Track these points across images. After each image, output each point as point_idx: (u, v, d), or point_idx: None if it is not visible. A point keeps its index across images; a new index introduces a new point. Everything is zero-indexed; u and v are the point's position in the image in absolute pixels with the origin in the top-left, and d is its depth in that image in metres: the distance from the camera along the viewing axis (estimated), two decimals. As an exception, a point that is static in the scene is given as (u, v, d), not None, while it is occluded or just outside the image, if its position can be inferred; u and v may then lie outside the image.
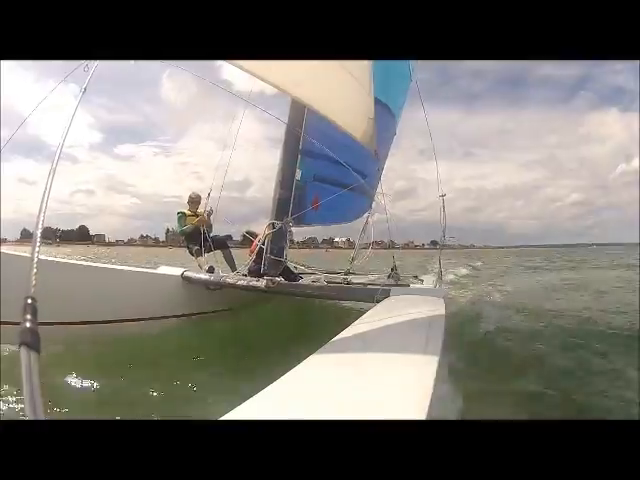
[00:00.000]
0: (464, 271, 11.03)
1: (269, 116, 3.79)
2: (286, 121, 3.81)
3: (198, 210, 4.66)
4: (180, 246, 4.32)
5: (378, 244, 3.61)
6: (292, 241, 4.57)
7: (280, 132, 4.04)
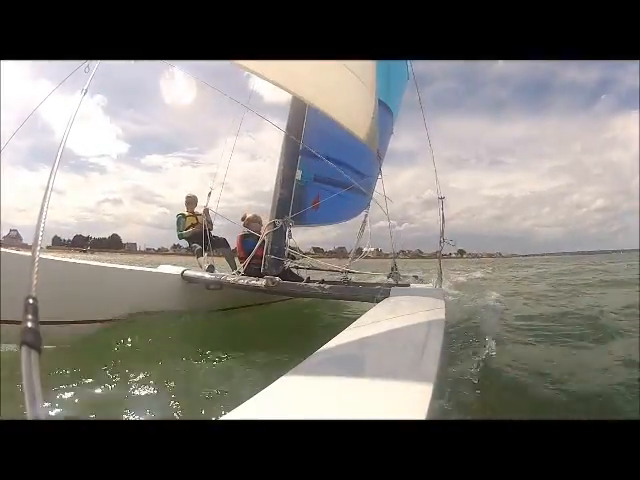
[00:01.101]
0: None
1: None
2: (285, 128, 3.82)
3: (195, 210, 4.71)
4: (212, 255, 4.44)
5: (405, 254, 3.59)
6: (322, 250, 4.70)
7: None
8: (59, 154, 0.99)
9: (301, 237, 3.91)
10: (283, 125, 3.91)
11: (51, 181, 0.91)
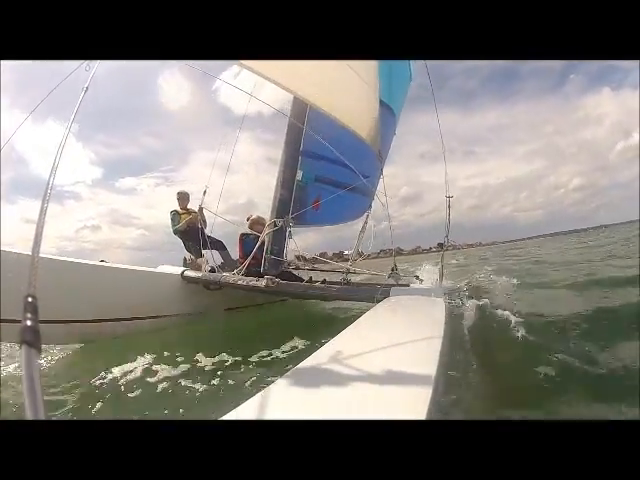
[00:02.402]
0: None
1: (268, 137, 3.92)
2: (288, 120, 3.82)
3: (188, 206, 4.69)
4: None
5: (385, 252, 3.59)
6: (305, 258, 4.62)
7: (279, 152, 4.08)
8: (58, 157, 0.99)
9: (292, 247, 3.89)
10: (259, 138, 3.95)
11: (51, 180, 0.91)
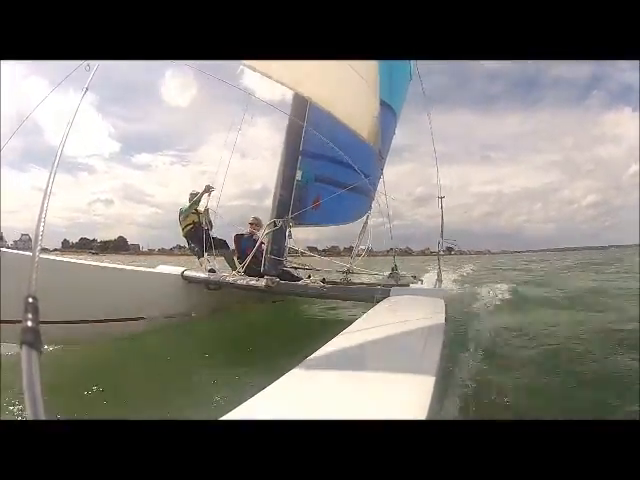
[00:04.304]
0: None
1: (285, 124, 3.84)
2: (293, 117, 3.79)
3: (197, 208, 4.69)
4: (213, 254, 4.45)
5: (395, 251, 3.60)
6: (315, 249, 4.63)
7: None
8: (59, 154, 0.99)
9: (296, 236, 3.90)
10: (278, 124, 3.91)
11: (51, 180, 0.91)
